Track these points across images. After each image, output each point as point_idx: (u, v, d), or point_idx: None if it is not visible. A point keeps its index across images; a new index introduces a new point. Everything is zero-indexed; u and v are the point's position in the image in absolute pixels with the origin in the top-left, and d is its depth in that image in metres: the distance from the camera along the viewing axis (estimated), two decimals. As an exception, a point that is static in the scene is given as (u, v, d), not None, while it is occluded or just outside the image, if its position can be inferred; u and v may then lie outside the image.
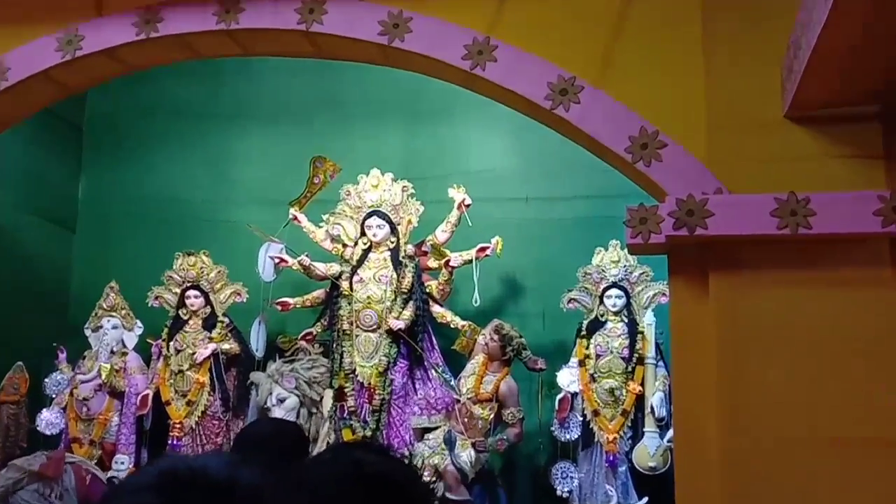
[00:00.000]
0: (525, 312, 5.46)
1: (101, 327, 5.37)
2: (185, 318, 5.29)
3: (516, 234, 5.42)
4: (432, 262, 5.14)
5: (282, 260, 5.15)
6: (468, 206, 5.01)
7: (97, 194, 6.12)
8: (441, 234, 5.09)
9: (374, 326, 5.01)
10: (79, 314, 5.58)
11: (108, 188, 6.09)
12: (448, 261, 4.95)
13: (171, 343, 5.24)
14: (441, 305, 5.17)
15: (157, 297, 5.36)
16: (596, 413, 4.88)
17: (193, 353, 5.17)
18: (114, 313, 5.38)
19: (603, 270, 5.09)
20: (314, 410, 5.01)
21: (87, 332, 5.43)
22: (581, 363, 4.98)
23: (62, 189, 6.07)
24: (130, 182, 6.04)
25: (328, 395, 5.02)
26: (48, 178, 5.94)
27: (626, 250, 4.93)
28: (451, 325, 5.09)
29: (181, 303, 5.30)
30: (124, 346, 5.39)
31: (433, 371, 5.01)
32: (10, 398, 5.16)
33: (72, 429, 5.19)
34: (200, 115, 6.04)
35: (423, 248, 5.17)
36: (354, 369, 4.96)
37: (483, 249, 4.99)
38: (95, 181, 6.16)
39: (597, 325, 5.02)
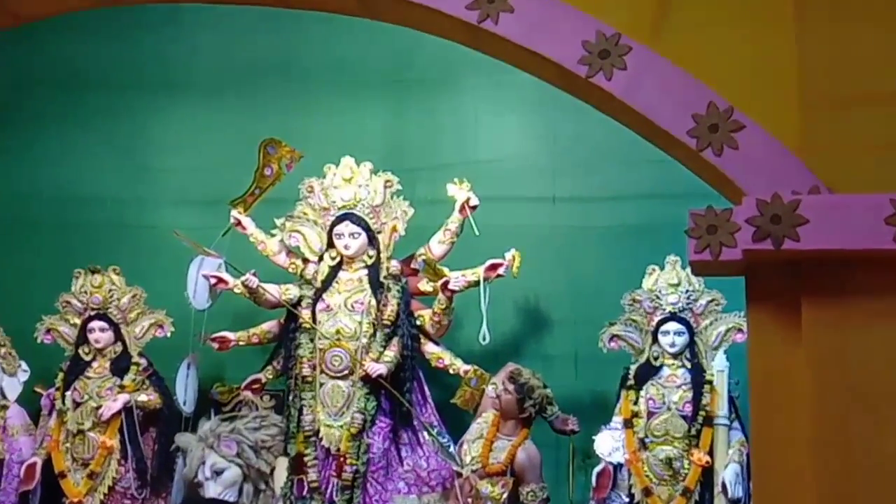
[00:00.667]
0: (551, 354, 5.52)
1: (-29, 371, 5.38)
2: (88, 358, 5.32)
3: (539, 247, 5.45)
4: (425, 285, 5.18)
5: (220, 280, 5.19)
6: (474, 207, 5.05)
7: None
8: (437, 245, 5.14)
9: (346, 372, 5.03)
10: (-58, 353, 5.57)
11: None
12: (446, 282, 4.96)
13: (68, 393, 5.26)
14: (437, 343, 5.21)
15: (48, 331, 5.38)
16: (648, 492, 4.89)
17: (98, 408, 5.18)
18: (-11, 352, 5.39)
19: (657, 297, 5.11)
20: (262, 486, 5.01)
21: (-46, 378, 5.43)
22: (627, 423, 5.00)
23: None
24: (14, 177, 6.05)
25: (282, 465, 5.01)
26: None
27: (688, 270, 4.96)
28: (451, 371, 5.14)
29: (82, 338, 5.33)
30: (4, 396, 5.38)
31: (425, 433, 5.02)
32: None
33: (-72, 508, 5.23)
34: (111, 85, 6.05)
35: (413, 265, 5.21)
36: (318, 430, 4.98)
37: (494, 267, 5.02)
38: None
39: (649, 371, 5.06)
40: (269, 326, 5.30)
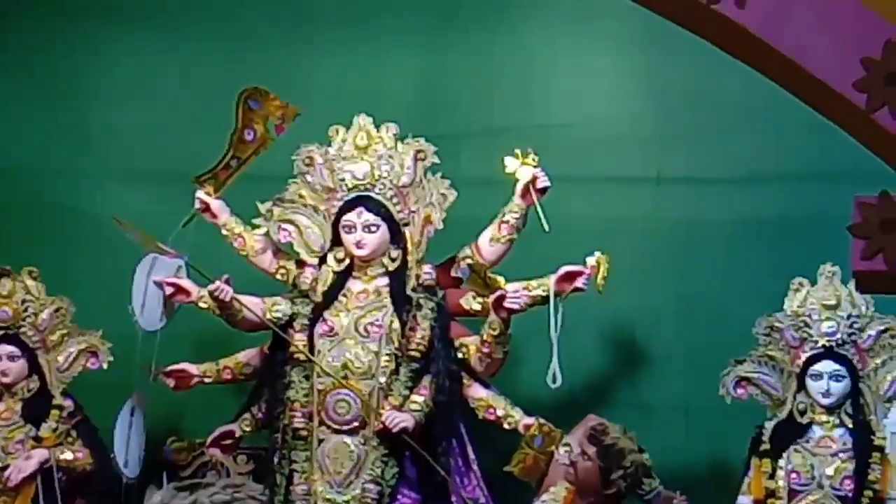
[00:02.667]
0: (650, 404, 5.58)
1: None
2: (-8, 397, 5.28)
3: (636, 250, 5.50)
4: (471, 301, 5.23)
5: (178, 289, 5.21)
6: (543, 191, 5.06)
7: None
8: (489, 245, 5.15)
9: (355, 424, 5.04)
10: None
11: None
12: (502, 298, 4.96)
13: (-37, 446, 5.29)
14: (486, 386, 5.25)
15: (-61, 357, 5.42)
16: None
17: (5, 468, 5.22)
18: None
19: (806, 325, 5.11)
20: None
21: None
22: None
23: None
24: None
25: None
26: None
27: (851, 285, 4.96)
28: (506, 426, 5.15)
29: None
30: None
31: None
32: None
33: None
34: (32, 8, 6.09)
35: (455, 273, 5.22)
36: None
37: (570, 277, 5.02)
38: None
39: (792, 431, 5.06)
40: (248, 357, 5.34)
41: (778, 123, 5.61)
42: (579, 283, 4.99)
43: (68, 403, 5.34)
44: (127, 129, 6.04)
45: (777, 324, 5.12)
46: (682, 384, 5.49)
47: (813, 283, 5.14)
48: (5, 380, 5.32)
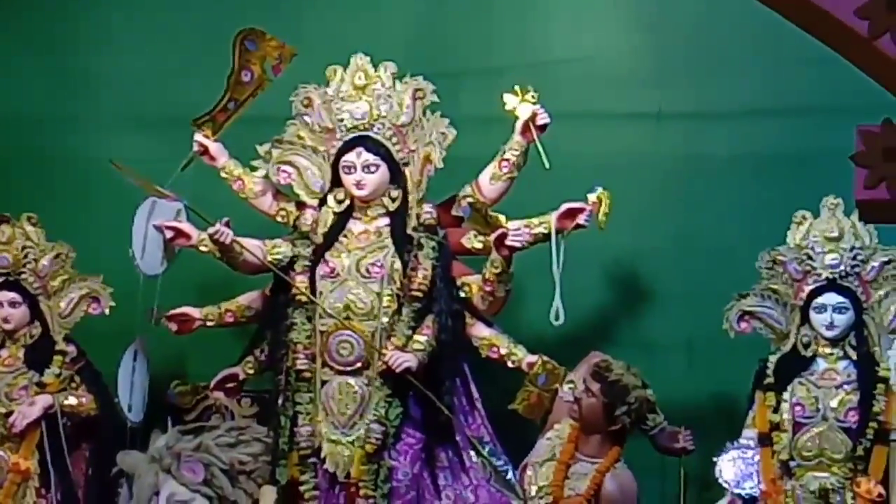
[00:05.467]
0: (653, 339, 5.62)
1: None
2: (-7, 344, 5.33)
3: (637, 186, 5.52)
4: (472, 240, 5.23)
5: (178, 233, 5.21)
6: (543, 128, 5.04)
7: None
8: (490, 183, 5.14)
9: (358, 365, 5.06)
10: None
11: None
12: (503, 236, 4.96)
13: (-34, 394, 5.23)
14: (489, 325, 5.25)
15: (-62, 305, 5.45)
16: (793, 538, 4.90)
17: (8, 414, 5.27)
18: None
19: (809, 258, 5.11)
20: None
21: None
22: (764, 440, 5.03)
23: None
24: None
25: (268, 496, 5.01)
26: None
27: (854, 216, 4.97)
28: (510, 364, 5.16)
29: None
30: None
31: (472, 453, 5.06)
32: None
33: None
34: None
35: (456, 212, 5.22)
36: (319, 448, 5.04)
37: (572, 214, 5.00)
38: None
39: (796, 364, 5.07)
40: (250, 300, 5.35)
41: (779, 56, 5.60)
42: (581, 219, 4.96)
43: (71, 349, 5.38)
44: (123, 75, 6.05)
45: (780, 257, 5.13)
46: (685, 319, 5.51)
47: (815, 216, 5.13)
48: (7, 326, 5.36)
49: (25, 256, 5.41)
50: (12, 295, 5.36)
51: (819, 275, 5.05)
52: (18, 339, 5.38)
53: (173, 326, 5.28)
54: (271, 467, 5.02)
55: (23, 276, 5.40)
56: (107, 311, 5.43)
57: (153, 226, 5.21)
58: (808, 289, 5.05)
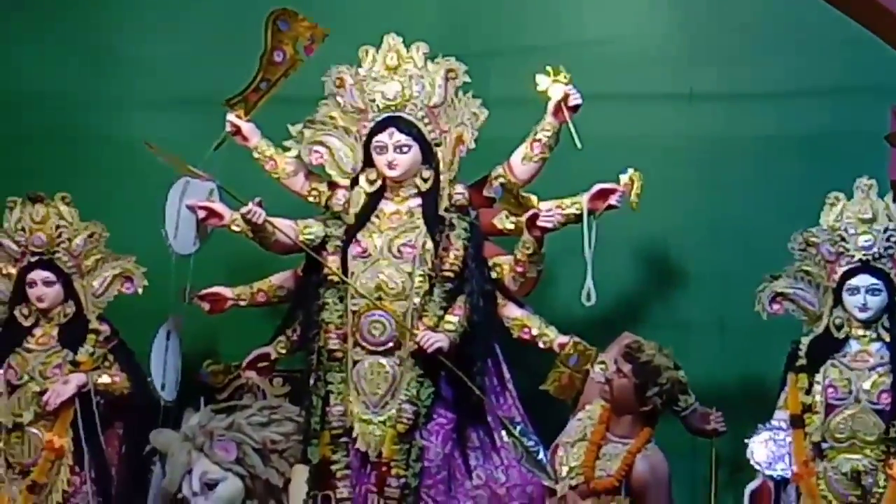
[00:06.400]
0: (685, 321, 5.63)
1: None
2: (28, 323, 5.44)
3: (669, 167, 5.53)
4: (504, 220, 5.21)
5: (211, 212, 5.21)
6: (575, 109, 5.02)
7: None
8: (522, 164, 5.13)
9: (390, 345, 5.06)
10: None
11: None
12: (535, 217, 4.95)
13: (0, 372, 5.38)
14: (521, 305, 5.25)
15: (-27, 283, 5.52)
16: (825, 520, 4.93)
17: (42, 393, 5.29)
18: None
19: (842, 239, 5.08)
20: None
21: None
22: (796, 422, 5.02)
23: None
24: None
25: (300, 475, 5.03)
26: None
27: (889, 197, 5.03)
28: (541, 345, 5.15)
29: (19, 294, 5.45)
30: None
31: (503, 433, 5.06)
32: None
33: None
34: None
35: (488, 192, 5.21)
36: (351, 428, 5.04)
37: (604, 195, 4.99)
38: None
39: (829, 346, 5.05)
40: (282, 280, 5.37)
41: (812, 37, 5.59)
42: (613, 200, 4.95)
43: (104, 328, 5.41)
44: (157, 56, 6.10)
45: (813, 239, 5.09)
46: (717, 301, 5.52)
47: (849, 197, 5.10)
48: (41, 305, 5.38)
49: (59, 236, 5.41)
50: (46, 274, 5.37)
51: (852, 256, 5.00)
52: (52, 317, 5.39)
53: (206, 306, 5.32)
54: (303, 446, 5.05)
55: (57, 255, 5.41)
56: (140, 291, 5.46)
57: (186, 205, 5.21)
58: (840, 270, 5.01)
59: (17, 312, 5.40)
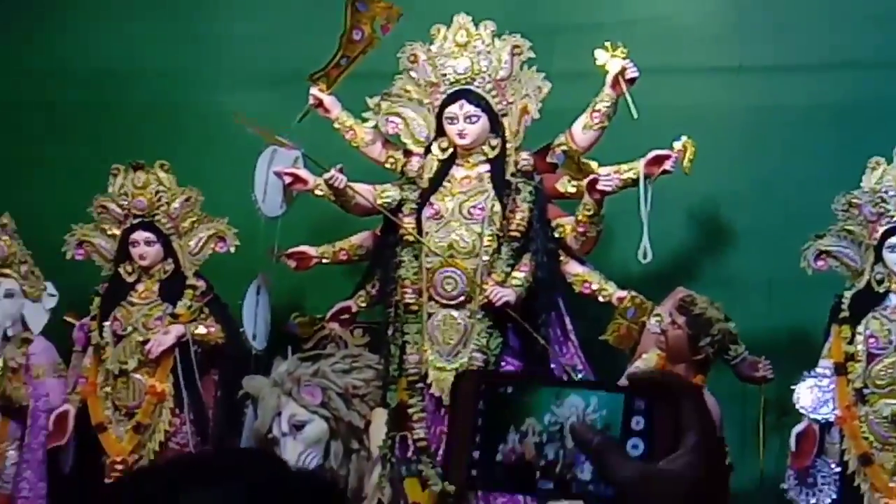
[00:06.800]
0: (735, 277, 5.64)
1: (-15, 293, 5.72)
2: (131, 279, 5.58)
3: (720, 134, 5.57)
4: (566, 184, 5.29)
5: (296, 178, 5.35)
6: (632, 81, 5.10)
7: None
8: (583, 132, 5.21)
9: (461, 299, 5.17)
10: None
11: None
12: (594, 181, 5.03)
13: (107, 323, 5.53)
14: (582, 262, 5.34)
15: (80, 244, 5.67)
16: (866, 459, 4.99)
17: (145, 342, 5.45)
18: (7, 271, 5.73)
19: (882, 200, 5.15)
20: (355, 445, 5.23)
21: (-37, 302, 5.78)
22: (839, 369, 5.09)
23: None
24: (35, 50, 6.37)
25: (380, 418, 5.22)
26: None
27: None
28: (600, 299, 5.25)
29: (123, 253, 5.59)
30: (27, 327, 5.74)
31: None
32: None
33: (-63, 469, 5.59)
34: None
35: (551, 159, 5.30)
36: (426, 375, 5.15)
37: (659, 161, 5.08)
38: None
39: (870, 299, 5.11)
40: (362, 240, 5.49)
41: (856, 9, 5.66)
42: (667, 165, 5.04)
43: (200, 283, 5.57)
44: (246, 34, 6.20)
45: (855, 200, 5.15)
46: (766, 258, 5.53)
47: (889, 162, 5.17)
48: (143, 263, 5.53)
49: (159, 200, 5.58)
50: (147, 234, 5.52)
51: (892, 216, 5.08)
52: (154, 274, 5.55)
53: (292, 263, 5.43)
54: (382, 391, 5.22)
55: (156, 217, 5.57)
56: (232, 250, 5.61)
57: (273, 172, 5.34)
58: (881, 229, 5.09)
59: (121, 270, 5.54)
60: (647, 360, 5.13)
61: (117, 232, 5.61)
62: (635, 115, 5.00)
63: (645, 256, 5.04)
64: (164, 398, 5.43)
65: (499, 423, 1.39)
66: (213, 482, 1.35)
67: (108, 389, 5.50)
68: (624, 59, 5.09)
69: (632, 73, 5.07)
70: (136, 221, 5.57)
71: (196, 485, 1.34)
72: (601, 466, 1.37)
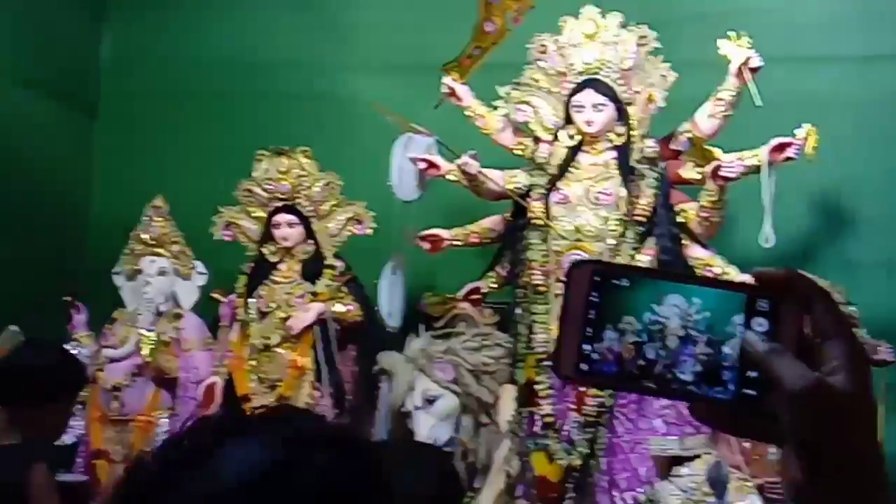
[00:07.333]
0: (857, 261, 5.67)
1: (139, 272, 5.97)
2: (274, 259, 5.77)
3: (843, 121, 5.53)
4: (690, 171, 5.35)
5: (430, 164, 5.47)
6: (756, 70, 5.11)
7: (128, 60, 6.79)
8: (707, 120, 5.24)
9: None
10: (104, 250, 6.22)
11: (146, 49, 6.75)
12: (718, 168, 5.07)
13: (252, 300, 5.73)
14: (705, 247, 5.37)
15: (228, 225, 5.90)
16: None
17: (287, 319, 5.64)
18: (160, 250, 5.97)
19: None
20: (484, 419, 5.32)
21: (118, 280, 6.07)
22: None
23: (74, 52, 6.74)
24: (180, 39, 6.65)
25: (508, 394, 5.29)
26: (51, 35, 6.53)
27: None
28: None
29: (267, 234, 5.78)
30: (178, 303, 5.99)
31: None
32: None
33: (94, 436, 5.82)
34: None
35: (675, 146, 5.36)
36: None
37: (782, 148, 5.09)
38: (126, 39, 6.84)
39: None
40: (492, 223, 5.60)
41: None
42: (790, 152, 5.05)
43: (339, 264, 5.75)
44: (382, 26, 6.37)
45: None
46: (886, 243, 5.55)
47: None
48: (286, 244, 5.71)
49: (301, 184, 5.76)
50: (290, 217, 5.71)
51: None
52: (295, 255, 5.73)
53: (425, 245, 5.58)
54: (511, 369, 5.28)
55: (298, 201, 5.74)
56: (369, 232, 5.79)
57: (409, 158, 5.47)
58: None
59: (265, 250, 5.72)
60: (768, 342, 5.15)
61: (262, 214, 5.79)
62: (759, 103, 5.01)
63: (767, 241, 5.05)
64: (304, 372, 5.62)
65: (612, 314, 1.29)
66: (249, 434, 1.36)
67: (252, 363, 5.69)
68: (747, 48, 5.10)
69: (756, 61, 5.07)
70: (279, 204, 5.74)
71: (234, 437, 1.35)
72: (770, 374, 1.22)
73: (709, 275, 5.21)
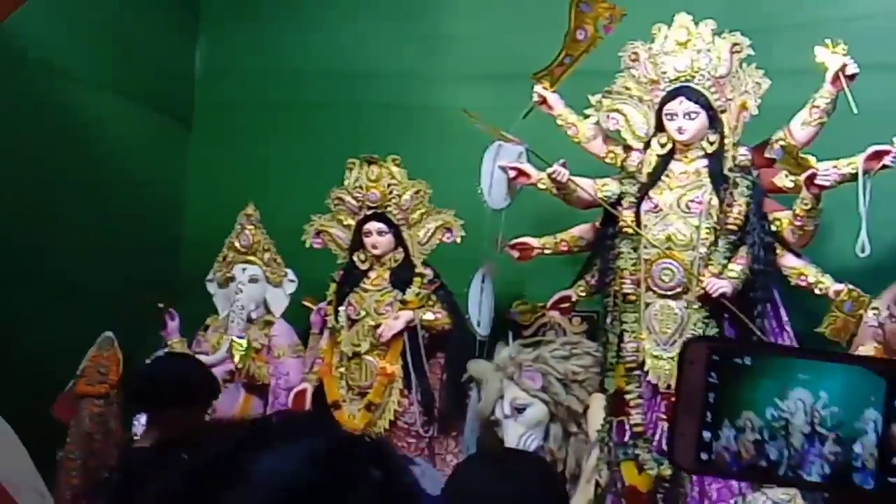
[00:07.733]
0: None
1: (232, 280, 6.05)
2: (364, 267, 5.80)
3: None
4: (784, 179, 5.27)
5: (520, 172, 5.45)
6: (852, 77, 5.04)
7: (222, 71, 6.87)
8: (801, 128, 5.17)
9: (678, 289, 5.18)
10: (197, 258, 6.32)
11: (240, 60, 6.81)
12: (813, 176, 5.00)
13: (342, 308, 5.76)
14: (798, 256, 5.31)
15: (319, 233, 5.92)
16: None
17: (377, 326, 5.67)
18: (252, 258, 6.04)
19: None
20: (573, 428, 5.31)
21: (211, 288, 6.16)
22: None
23: (170, 63, 6.84)
24: (273, 50, 6.70)
25: (598, 403, 5.27)
26: (147, 46, 6.65)
27: None
28: (817, 292, 5.23)
29: (357, 242, 5.80)
30: (269, 311, 6.05)
31: None
32: (93, 389, 5.84)
33: (189, 441, 5.98)
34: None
35: (769, 154, 5.29)
36: (643, 362, 5.18)
37: (878, 156, 5.03)
38: (219, 50, 6.92)
39: None
40: (582, 231, 5.57)
41: None
42: (887, 160, 4.98)
43: (428, 272, 5.76)
44: (472, 36, 6.38)
45: None
46: None
47: None
48: (376, 251, 5.73)
49: (390, 192, 5.78)
50: (380, 225, 5.73)
51: None
52: (385, 262, 5.75)
53: (515, 254, 5.54)
54: (600, 377, 5.27)
55: (388, 209, 5.76)
56: (458, 240, 5.78)
57: (499, 166, 5.45)
58: None
59: (355, 258, 5.76)
60: (864, 352, 4.98)
61: (352, 222, 5.82)
62: (855, 111, 4.94)
63: (863, 250, 4.98)
64: (393, 379, 5.64)
65: (733, 400, 1.20)
66: (273, 443, 1.35)
67: (342, 370, 5.73)
68: (844, 55, 5.04)
69: (852, 69, 5.01)
70: (369, 213, 5.77)
71: (258, 446, 1.34)
72: None
73: (802, 284, 5.22)
